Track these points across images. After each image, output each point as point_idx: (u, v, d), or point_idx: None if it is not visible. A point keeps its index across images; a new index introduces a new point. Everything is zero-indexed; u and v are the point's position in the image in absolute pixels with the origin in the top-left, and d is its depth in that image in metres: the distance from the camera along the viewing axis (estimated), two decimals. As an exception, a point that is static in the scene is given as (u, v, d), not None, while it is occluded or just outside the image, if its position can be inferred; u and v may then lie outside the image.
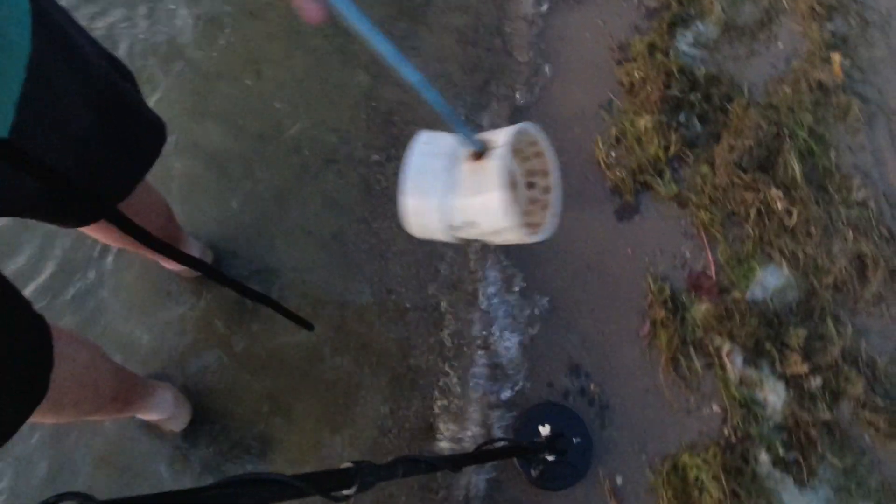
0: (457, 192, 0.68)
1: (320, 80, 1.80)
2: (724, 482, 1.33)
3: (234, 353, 1.49)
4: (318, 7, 0.52)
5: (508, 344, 1.53)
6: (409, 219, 0.72)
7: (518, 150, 0.77)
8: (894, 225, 1.57)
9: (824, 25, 1.89)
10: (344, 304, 1.55)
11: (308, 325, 1.10)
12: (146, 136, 0.96)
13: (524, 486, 1.39)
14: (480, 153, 0.67)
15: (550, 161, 0.77)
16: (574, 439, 1.40)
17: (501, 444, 1.27)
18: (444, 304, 1.56)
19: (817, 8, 1.92)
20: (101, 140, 0.82)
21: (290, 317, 1.05)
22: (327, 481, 0.68)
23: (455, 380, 1.50)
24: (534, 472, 1.36)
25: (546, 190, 0.80)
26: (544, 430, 1.38)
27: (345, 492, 0.69)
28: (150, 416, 1.34)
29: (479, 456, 1.12)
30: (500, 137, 0.67)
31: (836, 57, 1.80)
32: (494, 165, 0.64)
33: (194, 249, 1.48)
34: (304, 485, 0.63)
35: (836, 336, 1.46)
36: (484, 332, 1.54)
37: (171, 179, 1.64)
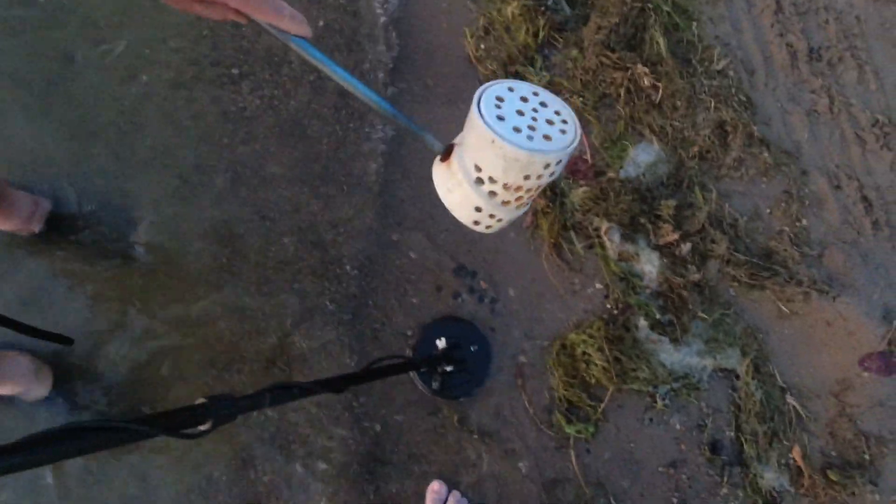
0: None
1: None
2: (607, 351, 1.40)
3: (88, 307, 1.35)
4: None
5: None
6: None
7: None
8: (751, 91, 1.62)
9: None
10: (216, 237, 1.44)
11: (67, 341, 0.99)
12: None
13: (427, 399, 1.39)
14: (444, 154, 0.67)
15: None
16: (471, 348, 1.41)
17: (391, 361, 1.25)
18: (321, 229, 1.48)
19: None
20: None
21: (45, 337, 0.95)
22: (177, 420, 0.62)
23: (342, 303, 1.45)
24: (434, 385, 1.36)
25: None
26: (441, 343, 1.38)
27: (201, 427, 0.64)
28: (4, 390, 1.22)
29: (365, 375, 1.06)
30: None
31: (696, -76, 1.76)
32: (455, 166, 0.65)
33: (22, 202, 1.30)
34: (149, 428, 0.57)
35: (702, 202, 1.52)
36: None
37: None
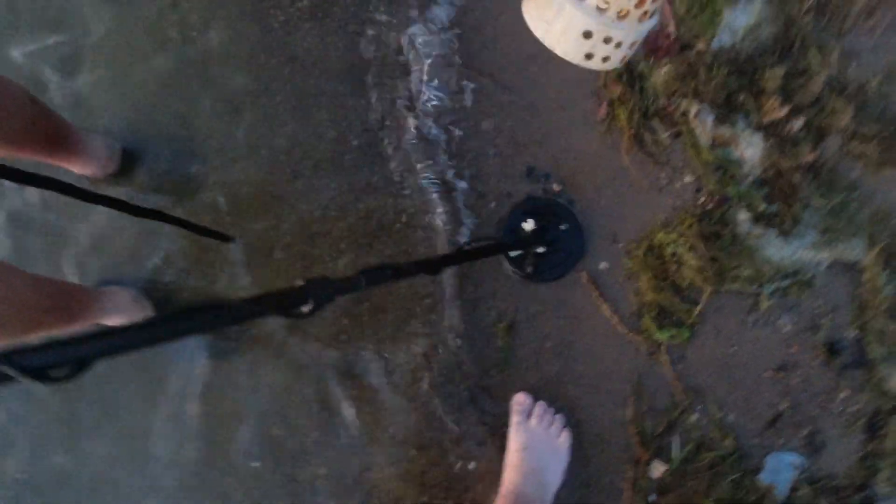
0: None
1: None
2: (702, 250, 1.24)
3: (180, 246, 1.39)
4: None
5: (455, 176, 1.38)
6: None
7: None
8: (888, -88, 1.26)
9: None
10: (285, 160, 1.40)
11: (226, 237, 1.01)
12: None
13: (522, 285, 1.33)
14: None
15: None
16: (561, 227, 1.30)
17: (483, 243, 1.19)
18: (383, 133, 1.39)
19: None
20: None
21: (206, 233, 0.98)
22: (282, 300, 0.64)
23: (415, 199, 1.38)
24: (528, 269, 1.28)
25: None
26: (528, 224, 1.29)
27: (303, 308, 0.65)
28: (111, 321, 1.31)
29: (459, 257, 1.04)
30: None
31: None
32: None
33: (95, 145, 1.33)
34: (260, 307, 0.61)
35: (819, 66, 1.25)
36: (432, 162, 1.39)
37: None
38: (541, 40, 0.58)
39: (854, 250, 1.24)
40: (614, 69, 1.34)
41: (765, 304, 1.25)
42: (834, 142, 1.24)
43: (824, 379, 1.24)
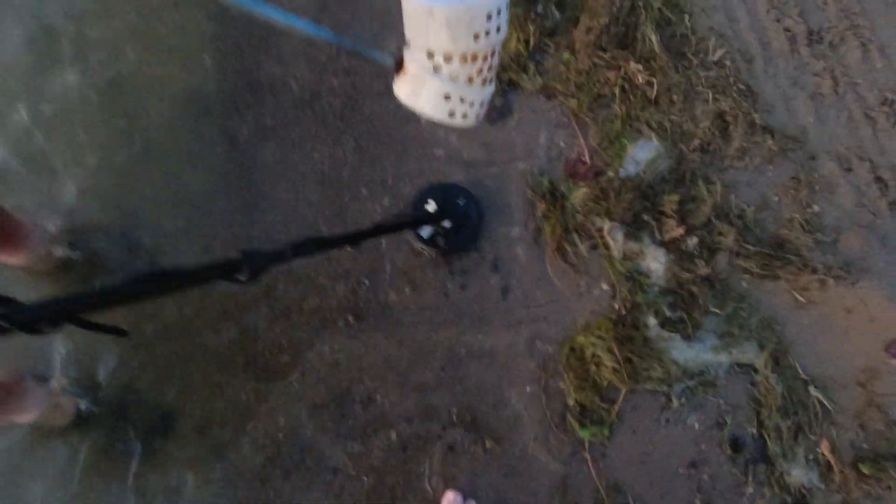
0: None
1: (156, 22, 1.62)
2: (617, 352, 1.37)
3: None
4: None
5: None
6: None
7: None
8: (750, 78, 1.57)
9: None
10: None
11: (120, 332, 1.04)
12: None
13: (438, 260, 1.44)
14: (396, 66, 0.69)
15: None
16: (459, 202, 1.46)
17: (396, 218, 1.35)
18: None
19: None
20: None
21: (101, 330, 1.01)
22: (222, 268, 0.73)
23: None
24: (441, 243, 1.42)
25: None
26: (430, 206, 1.42)
27: (239, 277, 0.74)
28: (25, 419, 1.26)
29: (376, 230, 1.13)
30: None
31: (682, -81, 1.73)
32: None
33: (36, 237, 1.35)
34: (207, 271, 0.69)
35: (706, 195, 1.47)
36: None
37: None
38: (412, 108, 0.71)
39: (748, 353, 1.39)
40: (539, 189, 1.52)
41: (675, 403, 1.36)
42: (723, 258, 1.44)
43: (732, 475, 1.34)
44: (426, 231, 1.42)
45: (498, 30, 0.63)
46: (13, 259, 1.31)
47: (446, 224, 1.41)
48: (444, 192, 1.47)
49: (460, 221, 1.44)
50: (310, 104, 1.54)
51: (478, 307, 1.43)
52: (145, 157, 1.49)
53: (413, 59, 0.66)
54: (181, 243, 1.43)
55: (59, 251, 1.40)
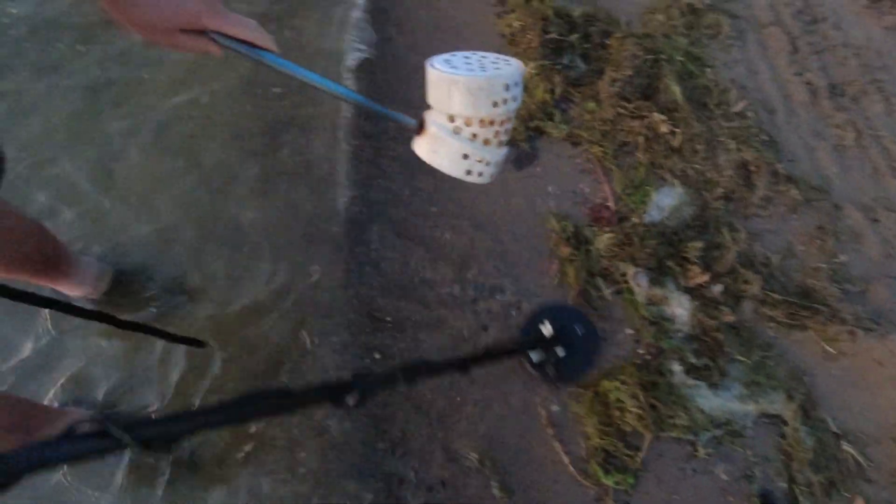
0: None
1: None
2: (641, 398, 1.36)
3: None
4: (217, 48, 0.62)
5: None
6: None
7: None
8: (772, 129, 1.60)
9: (690, -50, 1.90)
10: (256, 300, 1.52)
11: (199, 343, 1.11)
12: None
13: (547, 387, 1.40)
14: (418, 129, 0.73)
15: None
16: (577, 329, 1.41)
17: (507, 344, 1.28)
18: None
19: (681, -66, 1.93)
20: None
21: (181, 341, 1.07)
22: (333, 391, 0.74)
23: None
24: (550, 372, 1.37)
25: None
26: (546, 328, 1.38)
27: (349, 401, 0.74)
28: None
29: (486, 356, 1.10)
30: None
31: (703, -22, 1.82)
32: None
33: (89, 272, 1.43)
34: (318, 395, 0.70)
35: (731, 242, 1.49)
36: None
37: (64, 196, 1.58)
38: (432, 165, 0.75)
39: (776, 404, 1.37)
40: (564, 233, 1.55)
41: (701, 452, 1.34)
42: (749, 306, 1.44)
43: (762, 531, 1.30)
44: (537, 355, 1.38)
45: (514, 99, 0.70)
46: (65, 288, 1.39)
47: (559, 352, 1.37)
48: (561, 315, 1.43)
49: (575, 350, 1.38)
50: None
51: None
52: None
53: (434, 122, 0.72)
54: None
55: (109, 273, 1.50)
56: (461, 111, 0.69)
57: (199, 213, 1.57)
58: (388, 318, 1.48)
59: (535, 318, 1.42)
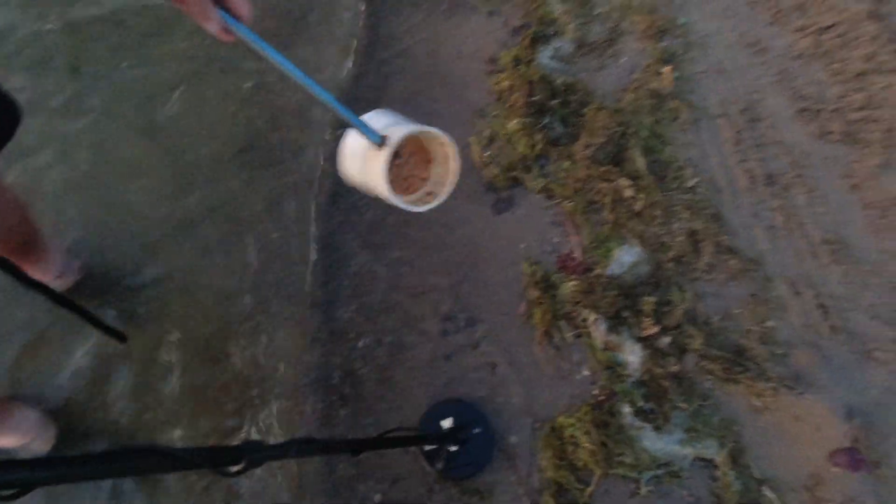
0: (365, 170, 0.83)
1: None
2: (593, 436, 1.47)
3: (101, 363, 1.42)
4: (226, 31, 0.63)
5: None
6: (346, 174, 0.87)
7: (422, 144, 0.88)
8: (718, 205, 1.83)
9: (657, 44, 2.18)
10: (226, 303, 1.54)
11: (120, 337, 1.10)
12: None
13: (431, 479, 1.43)
14: (381, 144, 0.79)
15: (451, 159, 0.86)
16: (475, 430, 1.46)
17: (403, 433, 1.26)
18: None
19: (651, 30, 2.20)
20: None
21: (103, 329, 1.05)
22: (217, 456, 0.68)
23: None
24: (438, 465, 1.40)
25: (439, 182, 0.89)
26: (446, 422, 1.44)
27: (233, 468, 0.70)
28: (8, 441, 1.25)
29: (379, 442, 1.11)
30: (396, 135, 0.78)
31: (668, 69, 2.08)
32: (380, 161, 0.78)
33: (56, 258, 1.41)
34: (196, 458, 0.64)
35: (679, 300, 1.67)
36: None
37: (43, 182, 1.55)
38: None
39: (709, 449, 1.52)
40: (534, 277, 1.68)
41: (644, 490, 1.45)
42: (691, 359, 1.60)
43: (692, 567, 1.41)
44: (430, 446, 1.42)
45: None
46: (36, 273, 1.36)
47: (451, 448, 1.41)
48: (463, 413, 1.48)
49: (467, 449, 1.43)
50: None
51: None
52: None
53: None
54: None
55: (77, 268, 1.47)
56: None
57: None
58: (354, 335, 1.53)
59: (438, 411, 1.49)
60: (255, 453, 0.72)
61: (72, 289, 1.49)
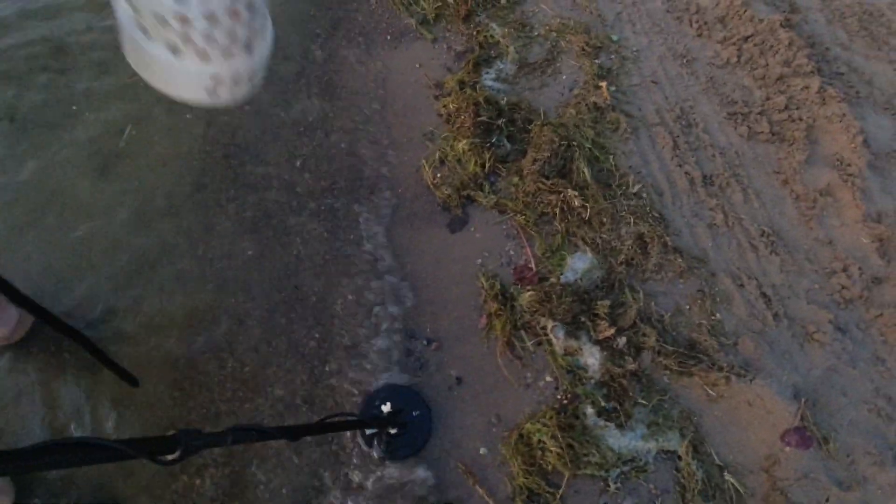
0: None
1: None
2: (560, 439, 1.51)
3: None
4: None
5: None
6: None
7: None
8: (661, 208, 1.94)
9: (594, 61, 2.30)
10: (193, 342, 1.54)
11: (132, 381, 1.12)
12: None
13: (371, 461, 1.48)
14: None
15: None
16: (413, 412, 1.52)
17: (342, 418, 1.25)
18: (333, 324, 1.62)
19: (587, 48, 2.33)
20: None
21: (116, 371, 1.07)
22: (152, 445, 0.68)
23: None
24: (379, 446, 1.47)
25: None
26: (386, 407, 1.48)
27: (169, 456, 0.70)
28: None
29: (319, 427, 1.12)
30: None
31: (604, 84, 2.19)
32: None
33: (11, 314, 1.40)
34: (129, 448, 0.64)
35: (632, 301, 1.75)
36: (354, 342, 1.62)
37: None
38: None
39: (671, 441, 1.58)
40: (492, 290, 1.74)
41: (612, 487, 1.50)
42: (647, 356, 1.68)
43: (664, 559, 1.46)
44: (370, 430, 1.47)
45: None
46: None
47: (391, 430, 1.46)
48: (402, 397, 1.54)
49: (406, 432, 1.49)
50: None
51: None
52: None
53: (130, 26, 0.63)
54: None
55: (28, 319, 1.45)
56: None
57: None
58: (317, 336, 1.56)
59: (378, 396, 1.55)
60: (190, 441, 0.72)
61: (27, 335, 1.48)
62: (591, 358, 1.65)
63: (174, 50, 0.61)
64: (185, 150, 1.86)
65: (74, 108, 1.91)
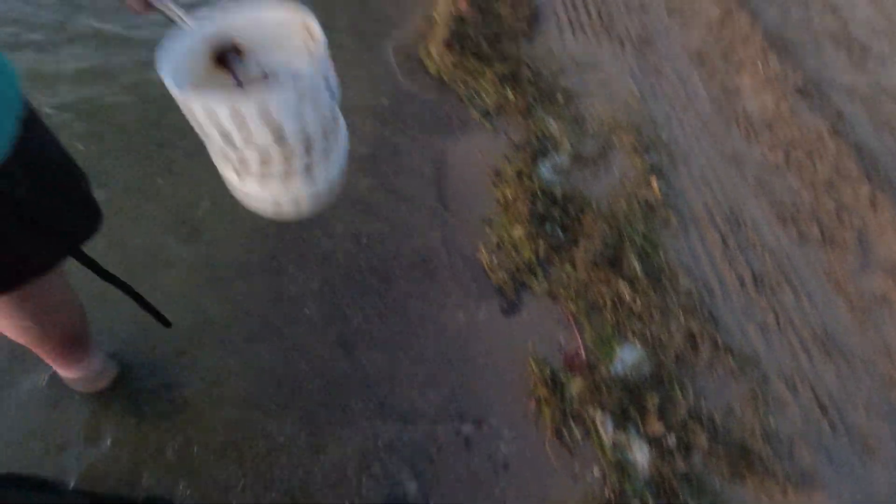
0: None
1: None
2: (608, 537, 1.49)
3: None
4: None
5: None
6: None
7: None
8: (712, 306, 1.97)
9: (644, 157, 2.43)
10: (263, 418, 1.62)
11: (165, 322, 1.28)
12: (83, 214, 1.07)
13: None
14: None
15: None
16: None
17: None
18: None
19: (638, 145, 2.47)
20: (46, 201, 0.91)
21: (149, 310, 1.24)
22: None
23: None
24: None
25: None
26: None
27: None
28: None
29: None
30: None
31: (654, 180, 2.31)
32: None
33: (95, 360, 1.50)
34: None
35: (681, 398, 1.75)
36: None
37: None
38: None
39: (724, 552, 1.53)
40: (542, 375, 1.78)
41: None
42: (698, 457, 1.66)
43: None
44: None
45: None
46: (70, 373, 1.45)
47: None
48: None
49: None
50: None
51: (484, 479, 1.57)
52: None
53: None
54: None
55: (112, 370, 1.56)
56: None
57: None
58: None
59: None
60: None
61: (107, 388, 1.58)
62: (641, 454, 1.65)
63: (237, 172, 0.70)
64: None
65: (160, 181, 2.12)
